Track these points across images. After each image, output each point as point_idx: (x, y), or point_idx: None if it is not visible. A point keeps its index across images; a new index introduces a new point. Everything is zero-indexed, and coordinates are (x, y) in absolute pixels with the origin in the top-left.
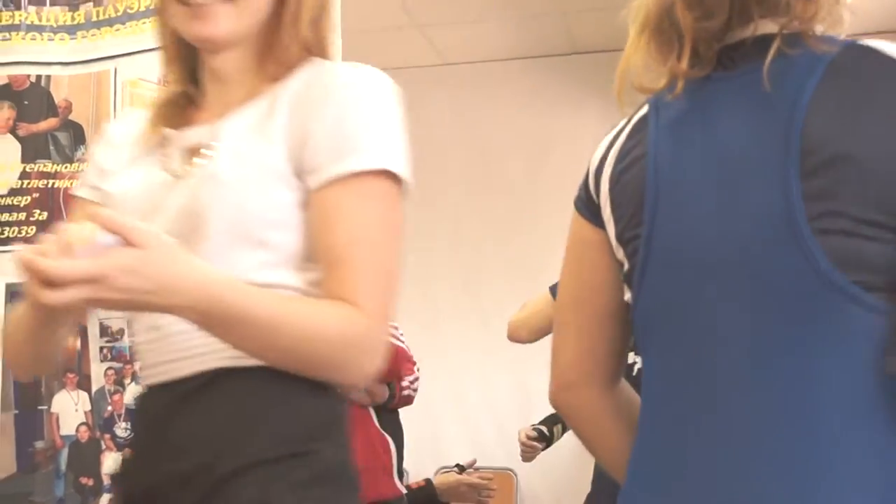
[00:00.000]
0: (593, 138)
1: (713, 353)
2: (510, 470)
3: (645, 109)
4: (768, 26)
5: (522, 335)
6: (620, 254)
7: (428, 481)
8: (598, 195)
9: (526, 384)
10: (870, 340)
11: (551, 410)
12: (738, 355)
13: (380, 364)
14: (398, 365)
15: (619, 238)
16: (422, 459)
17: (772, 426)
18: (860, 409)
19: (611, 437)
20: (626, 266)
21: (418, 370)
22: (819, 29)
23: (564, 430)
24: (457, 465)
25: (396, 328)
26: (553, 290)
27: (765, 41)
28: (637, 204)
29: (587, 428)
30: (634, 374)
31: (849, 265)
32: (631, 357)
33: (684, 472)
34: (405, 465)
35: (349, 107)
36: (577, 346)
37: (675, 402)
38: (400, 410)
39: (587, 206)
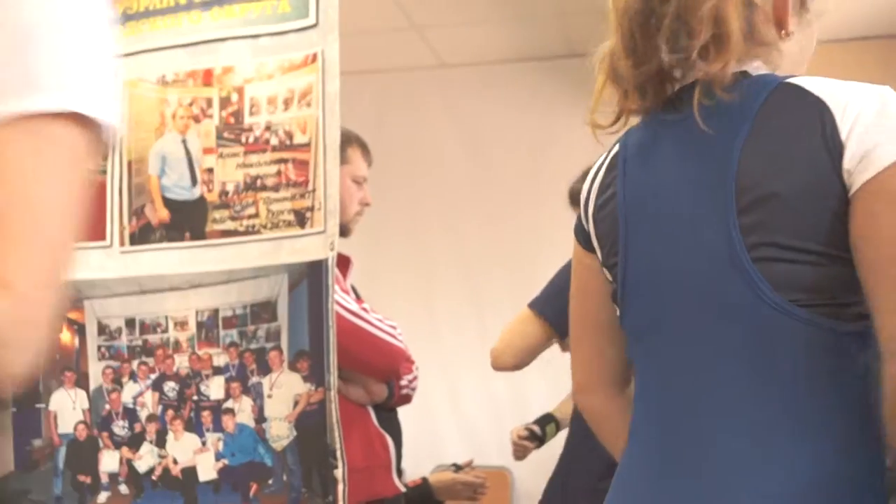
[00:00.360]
0: (590, 141)
1: (683, 363)
2: (506, 468)
3: (617, 147)
4: (699, 73)
5: (507, 360)
6: (608, 276)
7: (424, 479)
8: (587, 225)
9: (522, 384)
10: (805, 349)
11: (546, 409)
12: (699, 366)
13: (32, 360)
14: (397, 364)
15: (604, 264)
16: (419, 458)
17: (725, 422)
18: (795, 408)
19: (621, 434)
20: (613, 287)
21: (417, 369)
22: (754, 67)
23: (558, 429)
24: (453, 465)
25: (395, 327)
26: (533, 306)
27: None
28: (613, 236)
29: (600, 426)
30: None
31: (785, 287)
32: None
33: (660, 462)
34: (402, 463)
35: (31, 21)
36: (587, 356)
37: (656, 402)
38: (398, 409)
39: (582, 233)
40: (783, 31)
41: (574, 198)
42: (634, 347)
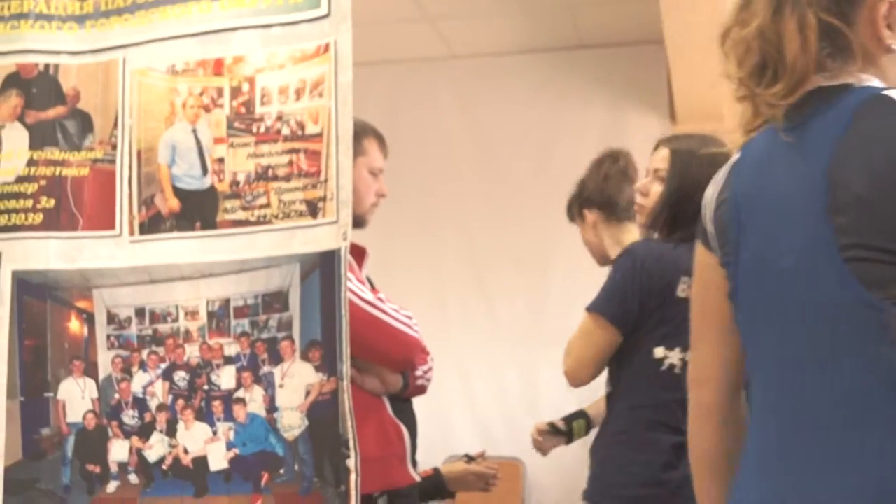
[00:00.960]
0: (599, 131)
1: (784, 358)
2: (518, 460)
3: (738, 154)
4: (818, 81)
5: (583, 375)
6: (725, 274)
7: (436, 470)
8: (708, 225)
9: (533, 375)
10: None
11: (557, 401)
12: (798, 358)
13: None
14: (412, 354)
15: (722, 263)
16: (431, 448)
17: (818, 405)
18: (882, 394)
19: (714, 434)
20: (729, 285)
21: (432, 360)
22: (852, 77)
23: (589, 426)
24: (465, 456)
25: (411, 317)
26: (593, 308)
27: (810, 98)
28: (727, 237)
29: (703, 423)
30: (664, 368)
31: (874, 285)
32: (661, 352)
33: (769, 455)
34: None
35: None
36: (705, 352)
37: (764, 394)
38: (413, 400)
39: (703, 234)
40: (882, 46)
41: (569, 210)
42: (746, 343)
